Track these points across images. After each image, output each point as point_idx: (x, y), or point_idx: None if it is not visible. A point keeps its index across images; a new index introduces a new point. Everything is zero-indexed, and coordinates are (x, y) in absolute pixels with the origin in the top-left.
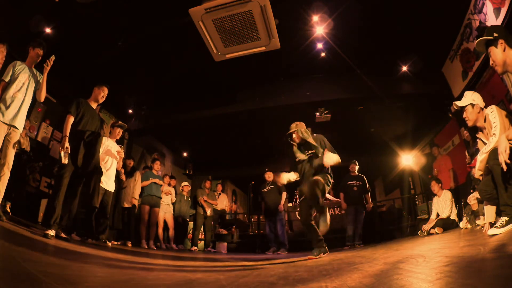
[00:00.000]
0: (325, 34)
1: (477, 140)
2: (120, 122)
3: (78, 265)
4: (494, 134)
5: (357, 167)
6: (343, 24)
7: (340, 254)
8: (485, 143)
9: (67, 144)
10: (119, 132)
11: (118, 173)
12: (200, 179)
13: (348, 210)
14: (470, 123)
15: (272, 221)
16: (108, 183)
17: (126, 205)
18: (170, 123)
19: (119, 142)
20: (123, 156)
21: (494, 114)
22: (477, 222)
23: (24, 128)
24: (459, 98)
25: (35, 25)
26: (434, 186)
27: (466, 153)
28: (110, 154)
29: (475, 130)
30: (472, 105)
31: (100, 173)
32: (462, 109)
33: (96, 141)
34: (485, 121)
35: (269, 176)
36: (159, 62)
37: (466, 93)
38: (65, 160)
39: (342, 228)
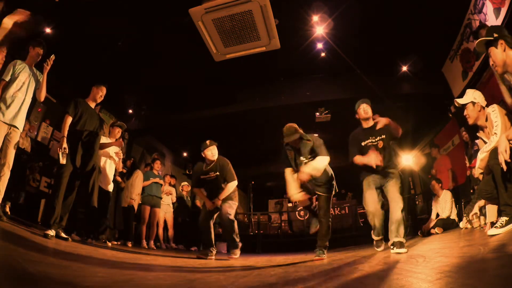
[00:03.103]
0: (325, 34)
1: (478, 139)
2: (119, 121)
3: (78, 265)
4: (495, 133)
5: (369, 113)
6: (343, 24)
7: (340, 254)
8: (485, 142)
9: (65, 145)
10: (118, 131)
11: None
12: None
13: (365, 183)
14: (470, 121)
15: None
16: (107, 183)
17: (124, 205)
18: (170, 123)
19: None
20: (121, 157)
21: (495, 113)
22: (479, 222)
23: (24, 129)
24: (459, 98)
25: (35, 25)
26: (434, 186)
27: (465, 155)
28: (108, 155)
29: (475, 129)
30: (473, 103)
31: (99, 172)
32: (463, 107)
33: (95, 140)
34: (486, 120)
35: (212, 153)
36: (159, 62)
37: (468, 91)
38: (63, 161)
39: (342, 228)
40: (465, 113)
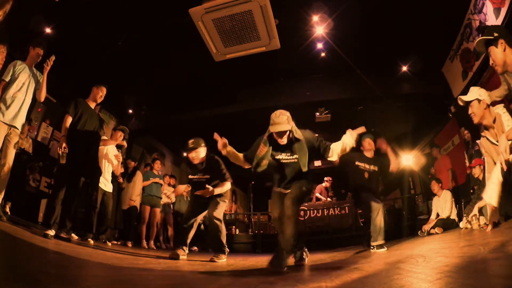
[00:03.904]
0: (325, 34)
1: (481, 139)
2: (122, 126)
3: (78, 265)
4: None
5: (372, 146)
6: (343, 24)
7: (340, 254)
8: (491, 142)
9: (64, 144)
10: (120, 135)
11: (116, 176)
12: None
13: (354, 196)
14: (476, 119)
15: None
16: (106, 183)
17: (125, 208)
18: (170, 123)
19: (119, 145)
20: (120, 160)
21: (506, 114)
22: (478, 223)
23: (22, 132)
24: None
25: (35, 25)
26: (434, 186)
27: (465, 154)
28: (108, 158)
29: (477, 128)
30: (479, 100)
31: (99, 173)
32: (467, 104)
33: (95, 140)
34: (494, 121)
35: (194, 157)
36: (159, 62)
37: (472, 88)
38: (63, 160)
39: (342, 228)
40: (470, 111)
